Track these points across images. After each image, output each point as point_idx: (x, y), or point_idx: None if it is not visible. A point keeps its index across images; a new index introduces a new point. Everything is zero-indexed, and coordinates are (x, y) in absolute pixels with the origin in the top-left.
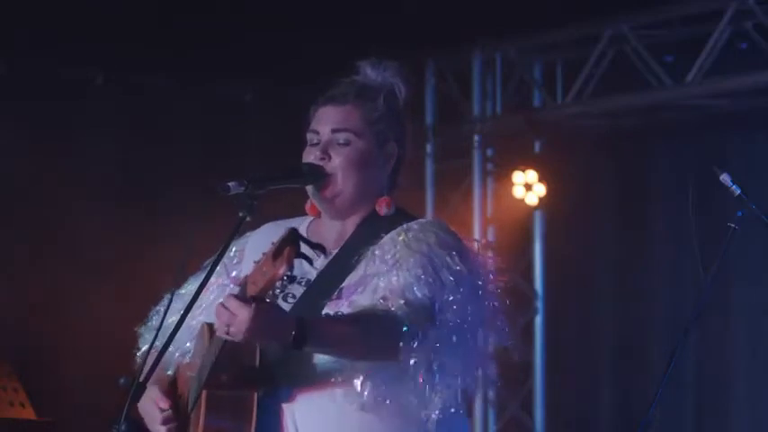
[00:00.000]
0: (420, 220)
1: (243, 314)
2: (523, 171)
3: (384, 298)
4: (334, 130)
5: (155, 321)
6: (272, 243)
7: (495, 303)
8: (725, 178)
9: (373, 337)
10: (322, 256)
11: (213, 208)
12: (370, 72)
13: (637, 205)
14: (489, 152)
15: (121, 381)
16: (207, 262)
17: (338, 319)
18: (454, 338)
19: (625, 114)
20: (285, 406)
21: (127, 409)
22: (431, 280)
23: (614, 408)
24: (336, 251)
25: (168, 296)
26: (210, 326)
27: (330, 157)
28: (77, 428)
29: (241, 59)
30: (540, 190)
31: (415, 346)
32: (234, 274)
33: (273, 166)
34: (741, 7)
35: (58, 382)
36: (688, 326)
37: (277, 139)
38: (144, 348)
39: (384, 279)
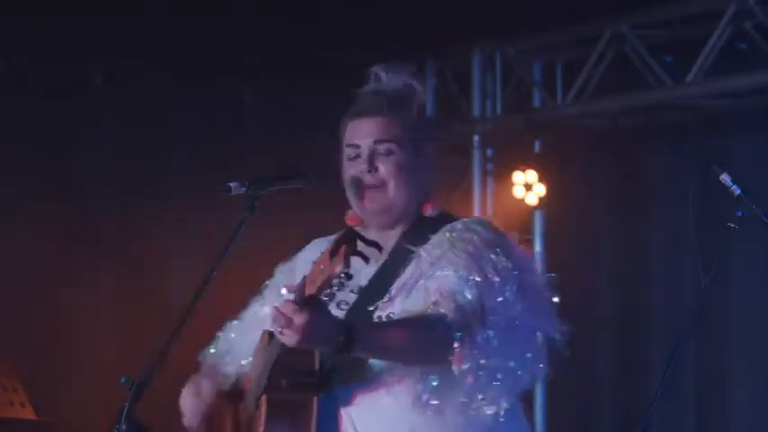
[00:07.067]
0: (463, 218)
1: (298, 319)
2: (523, 171)
3: (435, 302)
4: (376, 141)
5: (219, 346)
6: (330, 242)
7: (543, 296)
8: (725, 178)
9: (425, 342)
10: (373, 262)
11: (214, 208)
12: (385, 78)
13: (637, 205)
14: (489, 152)
15: (122, 380)
16: (279, 267)
17: (388, 324)
18: (504, 338)
19: (625, 114)
20: (343, 409)
21: (127, 409)
22: (479, 281)
23: (614, 408)
24: (385, 258)
25: (230, 323)
26: (270, 332)
27: (377, 169)
28: (77, 428)
29: (241, 59)
30: (540, 190)
31: (466, 350)
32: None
33: (274, 166)
34: (741, 7)
35: (59, 382)
36: (688, 326)
37: (277, 139)
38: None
39: (432, 281)
